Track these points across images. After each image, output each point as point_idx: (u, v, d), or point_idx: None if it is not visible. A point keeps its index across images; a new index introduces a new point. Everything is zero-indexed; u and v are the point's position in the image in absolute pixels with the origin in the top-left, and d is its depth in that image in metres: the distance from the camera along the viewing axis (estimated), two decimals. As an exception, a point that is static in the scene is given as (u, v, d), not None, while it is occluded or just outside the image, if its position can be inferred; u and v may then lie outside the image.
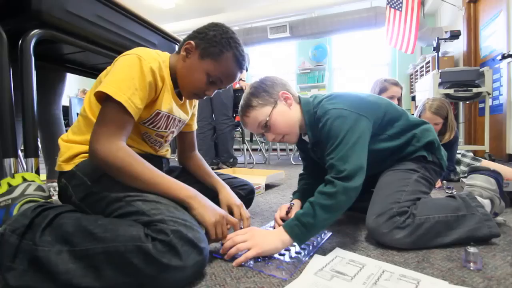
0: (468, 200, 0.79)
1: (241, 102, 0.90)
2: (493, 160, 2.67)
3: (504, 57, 2.78)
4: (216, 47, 0.75)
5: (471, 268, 0.62)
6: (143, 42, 1.16)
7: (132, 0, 4.99)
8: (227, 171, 2.03)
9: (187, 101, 0.91)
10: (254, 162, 2.89)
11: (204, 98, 0.85)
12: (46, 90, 1.24)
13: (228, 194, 0.87)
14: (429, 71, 3.85)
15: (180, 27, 5.08)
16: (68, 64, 1.25)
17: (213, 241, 0.67)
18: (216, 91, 0.85)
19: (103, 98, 0.65)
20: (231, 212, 0.83)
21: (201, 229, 0.60)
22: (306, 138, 0.95)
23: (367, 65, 5.39)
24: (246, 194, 1.04)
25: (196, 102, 1.01)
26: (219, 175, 1.05)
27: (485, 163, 1.77)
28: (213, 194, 0.88)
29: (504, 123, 2.90)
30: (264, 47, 5.68)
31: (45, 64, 1.18)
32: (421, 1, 4.62)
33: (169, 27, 5.07)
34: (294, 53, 5.82)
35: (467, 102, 3.37)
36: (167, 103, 0.77)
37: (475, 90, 2.77)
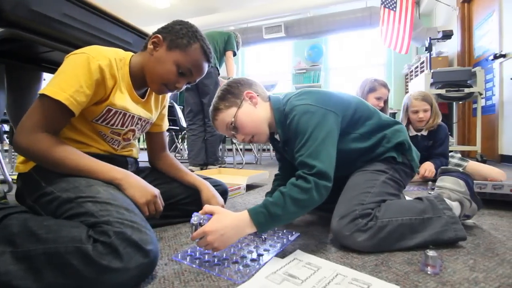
0: (436, 203, 0.78)
1: (211, 107, 0.91)
2: (485, 161, 2.66)
3: (496, 57, 2.77)
4: (183, 38, 0.78)
5: (429, 272, 0.61)
6: (117, 41, 1.15)
7: (127, 0, 4.94)
8: (213, 171, 2.02)
9: (152, 100, 0.90)
10: (244, 163, 2.88)
11: (175, 91, 0.86)
12: (23, 91, 1.23)
13: (209, 193, 0.94)
14: (423, 71, 3.83)
15: (175, 27, 5.07)
16: (45, 64, 1.24)
17: (148, 217, 0.70)
18: (187, 85, 0.86)
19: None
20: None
21: (151, 232, 0.59)
22: (278, 137, 0.94)
23: (362, 65, 5.37)
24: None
25: (165, 102, 1.00)
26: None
27: (472, 164, 1.75)
28: (190, 192, 0.95)
29: (497, 124, 2.89)
30: (260, 47, 5.68)
31: (20, 64, 1.17)
32: (416, 1, 4.61)
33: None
34: (290, 53, 5.81)
35: (460, 102, 3.35)
36: (121, 100, 0.76)
37: (467, 90, 2.76)
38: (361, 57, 5.39)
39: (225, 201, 1.08)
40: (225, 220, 0.66)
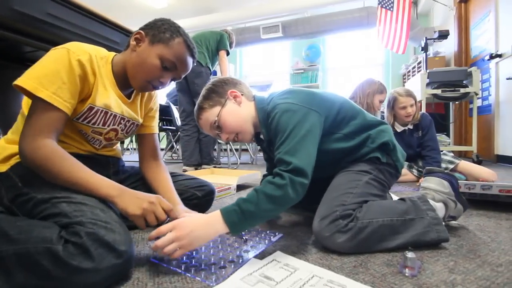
0: (419, 204, 0.77)
1: (195, 106, 0.90)
2: (480, 161, 2.65)
3: (492, 57, 2.76)
4: (166, 33, 0.77)
5: (406, 274, 0.60)
6: (104, 40, 1.15)
7: (124, 0, 4.93)
8: (206, 171, 2.02)
9: (138, 101, 0.89)
10: (238, 163, 2.87)
11: (160, 88, 0.82)
12: (7, 90, 1.23)
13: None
14: (420, 71, 3.82)
15: (173, 27, 5.07)
16: (31, 63, 1.23)
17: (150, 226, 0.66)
18: (170, 82, 0.83)
19: (28, 94, 0.64)
20: None
21: (126, 233, 0.58)
22: (263, 136, 0.94)
23: (360, 65, 5.36)
24: (204, 195, 1.01)
25: (153, 104, 0.97)
26: (179, 175, 1.04)
27: (463, 163, 1.75)
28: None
29: (493, 124, 2.87)
30: (257, 47, 5.67)
31: (4, 64, 1.17)
32: (414, 1, 4.60)
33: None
34: (288, 53, 5.80)
35: (456, 102, 3.34)
36: (104, 98, 0.75)
37: (462, 90, 2.74)
38: (359, 57, 5.37)
39: (210, 202, 1.06)
40: (196, 219, 0.66)
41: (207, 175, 1.92)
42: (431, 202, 0.79)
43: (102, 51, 0.78)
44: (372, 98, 1.88)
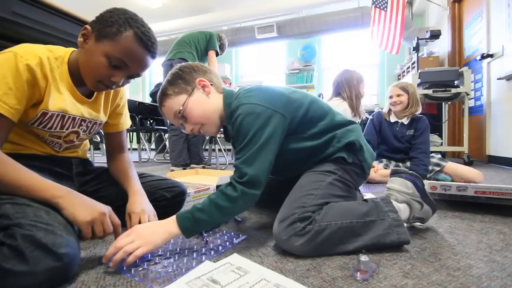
0: (381, 205, 0.76)
1: (159, 91, 0.86)
2: (471, 162, 2.63)
3: (483, 57, 2.74)
4: (112, 26, 0.69)
5: (357, 278, 0.59)
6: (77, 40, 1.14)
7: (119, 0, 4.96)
8: (190, 172, 2.01)
9: (102, 99, 0.87)
10: (227, 163, 2.86)
11: (114, 87, 0.76)
12: None
13: (133, 201, 0.79)
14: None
15: (168, 27, 5.08)
16: None
17: (93, 238, 0.64)
18: (127, 79, 0.77)
19: None
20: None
21: (70, 235, 0.57)
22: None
23: (356, 65, 5.34)
24: (173, 196, 0.99)
25: (122, 100, 0.95)
26: (149, 175, 1.02)
27: (450, 164, 1.73)
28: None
29: (484, 124, 2.85)
30: (253, 47, 5.66)
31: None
32: (409, 1, 4.58)
33: (157, 27, 5.04)
34: (283, 54, 5.79)
35: (449, 102, 3.32)
36: (58, 102, 0.73)
37: (454, 90, 2.73)
38: (354, 57, 5.36)
39: (181, 203, 1.04)
40: (152, 224, 0.69)
41: (191, 175, 1.91)
42: (394, 203, 0.78)
43: (58, 50, 0.75)
44: (358, 86, 1.92)
